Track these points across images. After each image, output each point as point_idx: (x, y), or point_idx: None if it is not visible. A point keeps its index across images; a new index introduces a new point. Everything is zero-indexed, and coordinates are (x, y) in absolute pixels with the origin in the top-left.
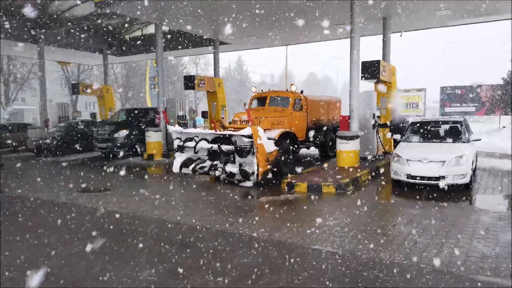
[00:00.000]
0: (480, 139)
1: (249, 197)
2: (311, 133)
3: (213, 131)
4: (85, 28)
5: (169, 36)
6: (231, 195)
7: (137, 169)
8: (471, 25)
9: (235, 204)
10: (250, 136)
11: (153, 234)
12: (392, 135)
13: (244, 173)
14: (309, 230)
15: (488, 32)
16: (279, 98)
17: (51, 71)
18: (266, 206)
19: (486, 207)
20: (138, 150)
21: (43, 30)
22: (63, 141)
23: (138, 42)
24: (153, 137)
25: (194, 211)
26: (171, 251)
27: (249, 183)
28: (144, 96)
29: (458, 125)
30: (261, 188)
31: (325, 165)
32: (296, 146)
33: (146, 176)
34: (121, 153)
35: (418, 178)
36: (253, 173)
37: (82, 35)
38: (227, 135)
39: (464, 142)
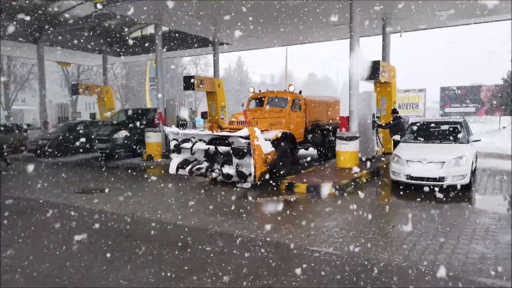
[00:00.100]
0: (479, 140)
1: (248, 198)
2: (310, 134)
3: (210, 132)
4: (85, 28)
5: (169, 37)
6: (229, 196)
7: (136, 170)
8: (471, 25)
9: (234, 205)
10: (247, 137)
11: (151, 235)
12: (391, 136)
13: (241, 174)
14: (308, 231)
15: (488, 33)
16: (277, 99)
17: (51, 72)
18: (265, 207)
19: (486, 208)
20: (138, 150)
21: (43, 31)
22: (62, 141)
23: (138, 43)
24: (153, 138)
25: (193, 212)
26: (169, 253)
27: (247, 184)
28: (144, 97)
29: (458, 126)
30: (260, 189)
31: (325, 165)
32: (294, 147)
33: (145, 177)
34: (121, 154)
35: (417, 179)
36: (250, 174)
37: (82, 36)
38: (224, 136)
39: (463, 143)
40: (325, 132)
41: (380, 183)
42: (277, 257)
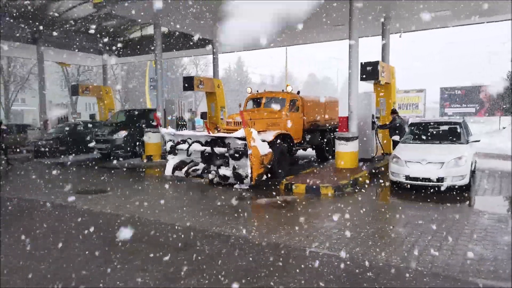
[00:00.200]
0: (479, 140)
1: (247, 199)
2: (308, 135)
3: (206, 133)
4: (85, 29)
5: (168, 37)
6: (228, 197)
7: (135, 170)
8: (471, 26)
9: (232, 206)
10: (243, 138)
11: (149, 236)
12: (391, 136)
13: (237, 176)
14: (306, 232)
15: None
16: (274, 99)
17: (51, 72)
18: (264, 207)
19: (485, 208)
20: (137, 151)
21: (43, 31)
22: (61, 142)
23: (138, 43)
24: (152, 138)
25: (191, 213)
26: (167, 254)
27: (244, 186)
28: (144, 97)
29: (457, 126)
30: (258, 190)
31: (324, 166)
32: (292, 147)
33: (144, 178)
34: (120, 155)
35: (416, 179)
36: (247, 176)
37: (82, 36)
38: (220, 137)
39: (463, 143)
40: (323, 132)
41: (379, 184)
42: (275, 258)
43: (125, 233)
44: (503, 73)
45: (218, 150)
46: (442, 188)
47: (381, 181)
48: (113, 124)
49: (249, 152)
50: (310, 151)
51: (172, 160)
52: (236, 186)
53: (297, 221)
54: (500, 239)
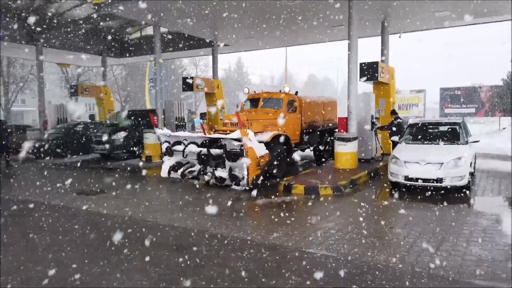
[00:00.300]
0: (478, 141)
1: (245, 199)
2: (306, 135)
3: (202, 134)
4: (84, 29)
5: (168, 38)
6: (226, 197)
7: (134, 171)
8: (471, 26)
9: (231, 207)
10: (239, 140)
11: (147, 237)
12: (390, 137)
13: (233, 178)
14: (304, 233)
15: (488, 33)
16: (272, 100)
17: (51, 73)
18: (262, 208)
19: (484, 209)
20: (136, 151)
21: (42, 32)
22: (61, 143)
23: (137, 44)
24: (151, 139)
25: (189, 214)
26: (165, 255)
27: (241, 188)
28: (144, 98)
29: (457, 127)
30: (257, 190)
31: (323, 167)
32: (289, 148)
33: (142, 179)
34: (120, 155)
35: (416, 180)
36: (243, 178)
37: (81, 37)
38: (216, 139)
39: (462, 144)
40: (321, 133)
41: (378, 184)
42: (273, 259)
43: (124, 234)
44: (503, 73)
45: (214, 151)
46: (441, 189)
47: (380, 181)
48: (112, 125)
49: (245, 153)
50: (309, 152)
51: (168, 162)
52: (234, 187)
53: (295, 222)
54: (499, 240)
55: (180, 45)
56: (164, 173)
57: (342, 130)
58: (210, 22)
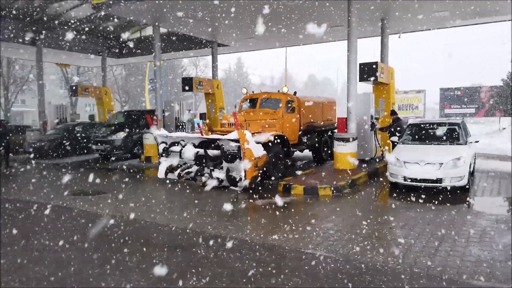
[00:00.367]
0: (478, 141)
1: (244, 200)
2: (304, 136)
3: (199, 135)
4: (84, 30)
5: (167, 38)
6: (225, 198)
7: (134, 171)
8: (471, 26)
9: (229, 208)
10: (237, 141)
11: (146, 238)
12: (390, 137)
13: (231, 179)
14: (303, 234)
15: (488, 33)
16: (270, 100)
17: (51, 73)
18: (261, 209)
19: (483, 210)
20: (136, 152)
21: (42, 32)
22: (60, 143)
23: (137, 44)
24: (151, 139)
25: (188, 214)
26: (163, 255)
27: (238, 188)
28: (144, 98)
29: (456, 127)
30: (256, 191)
31: (322, 167)
32: (288, 149)
33: (142, 179)
34: (119, 155)
35: (415, 180)
36: (240, 179)
37: (81, 37)
38: (213, 139)
39: (461, 144)
40: (320, 133)
41: (377, 184)
42: (272, 260)
43: (122, 234)
44: (503, 73)
45: (211, 152)
46: (441, 189)
47: (379, 182)
48: (112, 125)
49: (243, 154)
50: (308, 153)
51: (165, 163)
52: (232, 187)
53: (294, 222)
54: (499, 240)
55: (180, 46)
56: (161, 174)
57: (342, 130)
58: (210, 22)
